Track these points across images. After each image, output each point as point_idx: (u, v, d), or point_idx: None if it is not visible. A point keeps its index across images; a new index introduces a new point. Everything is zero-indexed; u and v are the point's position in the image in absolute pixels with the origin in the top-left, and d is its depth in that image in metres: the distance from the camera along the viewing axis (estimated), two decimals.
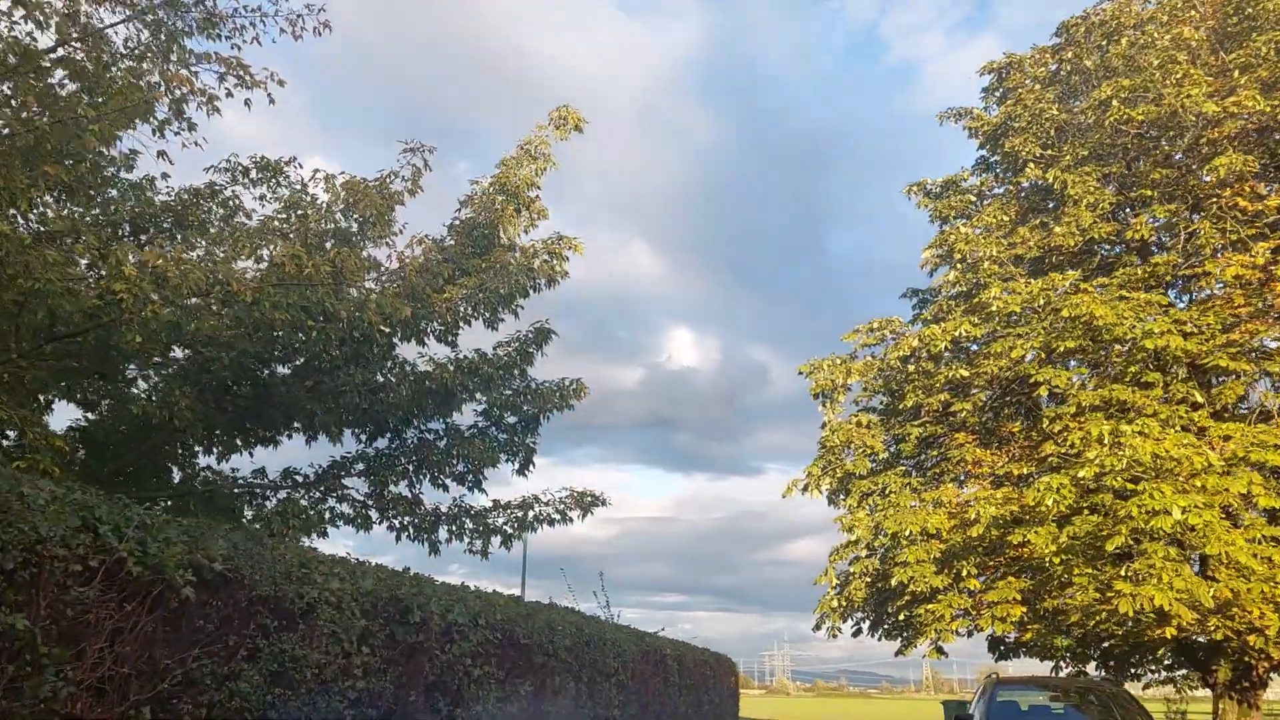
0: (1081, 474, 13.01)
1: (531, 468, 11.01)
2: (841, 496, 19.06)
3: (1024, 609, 14.71)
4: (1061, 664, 18.80)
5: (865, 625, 19.81)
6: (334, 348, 8.16)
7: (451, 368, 9.62)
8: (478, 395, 9.98)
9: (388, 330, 8.45)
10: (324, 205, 9.84)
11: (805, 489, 18.02)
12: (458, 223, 10.88)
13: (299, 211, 9.70)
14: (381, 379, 9.32)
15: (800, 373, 18.54)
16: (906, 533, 15.55)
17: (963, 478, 16.87)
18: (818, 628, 18.98)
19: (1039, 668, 18.80)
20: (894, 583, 15.61)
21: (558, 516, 11.34)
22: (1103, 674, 18.97)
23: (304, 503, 9.51)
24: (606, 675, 9.66)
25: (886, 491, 16.86)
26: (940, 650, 16.79)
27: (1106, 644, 16.02)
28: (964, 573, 15.36)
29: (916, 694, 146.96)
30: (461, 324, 9.70)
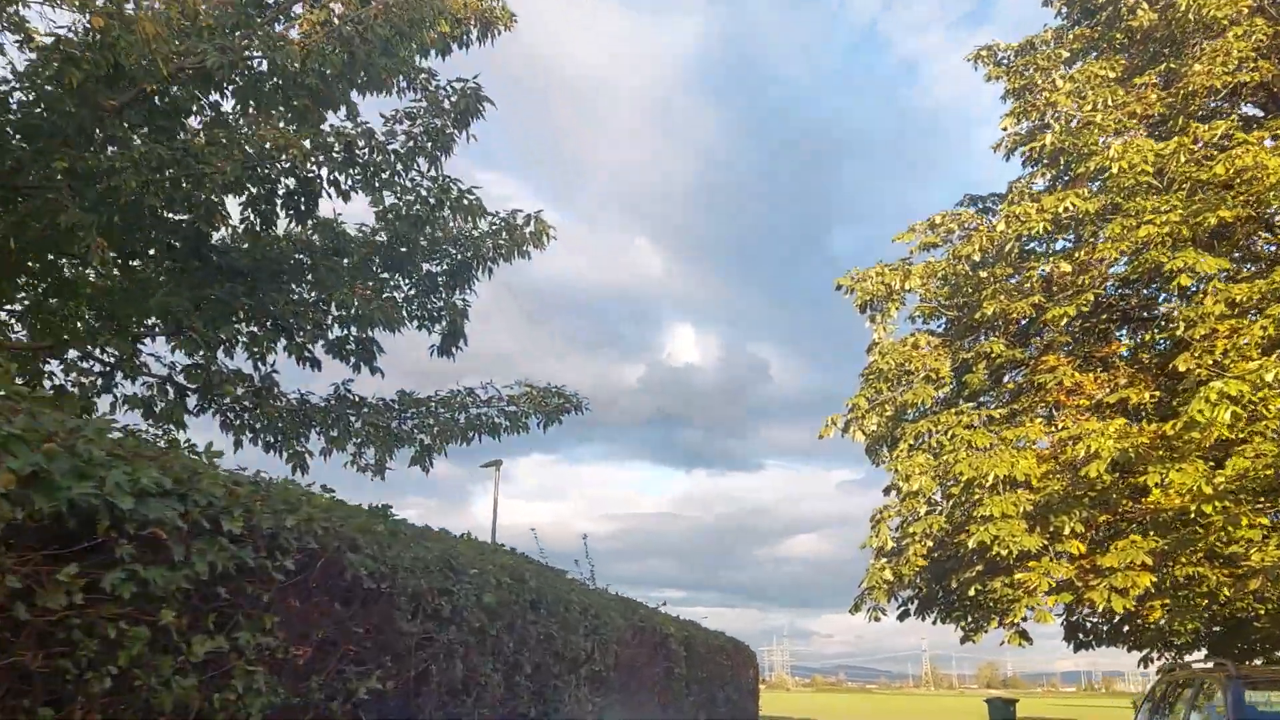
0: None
1: (462, 344, 7.06)
2: (886, 447, 15.15)
3: (1152, 577, 10.80)
4: (1160, 653, 14.99)
5: (913, 606, 15.95)
6: None
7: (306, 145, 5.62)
8: (354, 192, 5.99)
9: None
10: None
11: (846, 428, 14.06)
12: None
13: None
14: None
15: (839, 286, 14.59)
16: (989, 479, 11.62)
17: (1053, 411, 12.94)
18: (857, 609, 15.07)
19: (1112, 661, 14.94)
20: (972, 544, 11.67)
21: (505, 423, 7.41)
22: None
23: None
24: (569, 662, 5.69)
25: (951, 432, 12.93)
26: (1024, 636, 12.89)
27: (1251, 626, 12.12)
28: (1066, 530, 11.44)
29: (917, 689, 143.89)
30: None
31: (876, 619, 15.13)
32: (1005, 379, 14.02)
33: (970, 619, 13.73)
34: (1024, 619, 11.75)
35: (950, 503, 12.81)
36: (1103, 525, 11.98)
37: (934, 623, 15.14)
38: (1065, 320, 11.68)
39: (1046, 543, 11.55)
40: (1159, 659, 15.25)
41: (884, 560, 13.25)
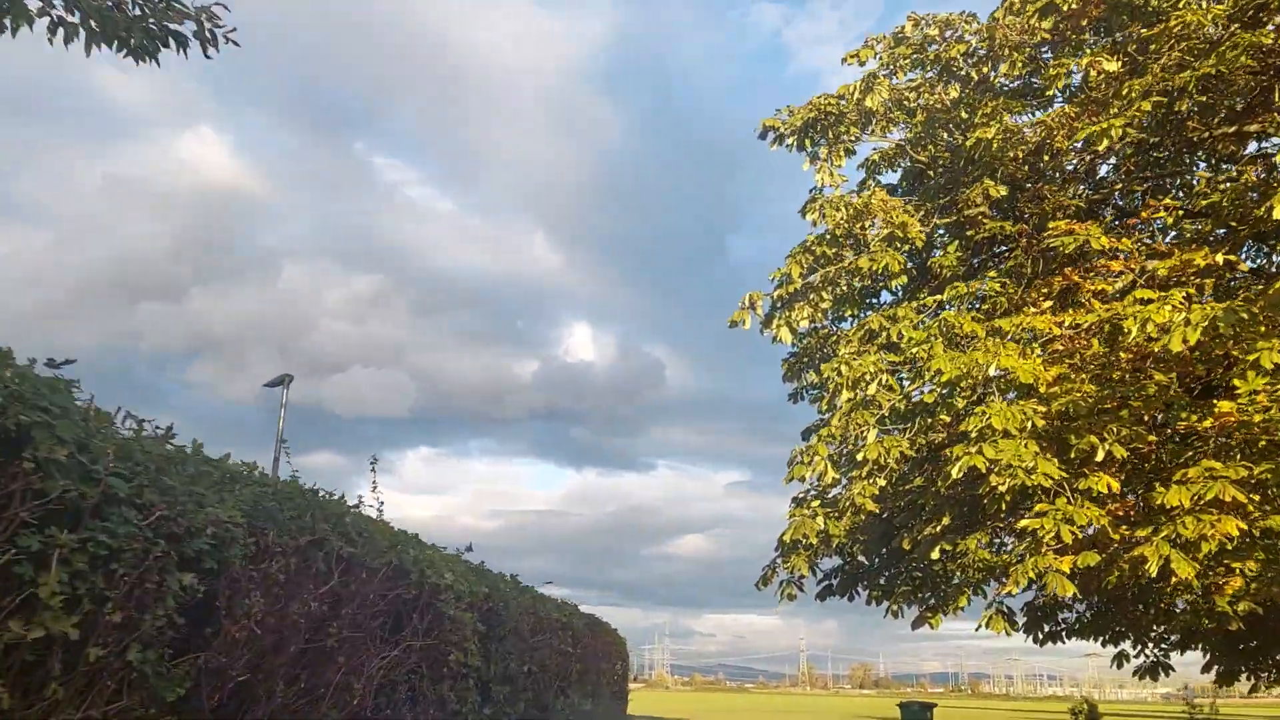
0: None
1: None
2: (814, 364, 10.99)
3: (1239, 523, 6.88)
4: (1155, 651, 11.55)
5: (836, 581, 11.85)
6: None
7: None
8: None
9: None
10: None
11: (769, 321, 9.76)
12: None
13: None
14: None
15: (767, 131, 10.26)
16: (985, 373, 7.53)
17: (1066, 296, 8.97)
18: (765, 583, 10.88)
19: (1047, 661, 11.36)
20: (955, 472, 7.50)
21: None
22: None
23: None
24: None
25: (918, 322, 8.82)
26: (1009, 619, 8.88)
27: None
28: (1100, 455, 7.44)
29: (793, 689, 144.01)
30: None
31: (790, 597, 10.93)
32: (988, 262, 10.02)
33: (929, 595, 9.69)
34: (1033, 585, 7.66)
35: (914, 421, 8.66)
36: (1151, 452, 8.05)
37: (869, 602, 11.06)
38: (1111, 143, 7.65)
39: (1068, 475, 7.53)
40: (1138, 657, 11.74)
41: (813, 508, 8.98)
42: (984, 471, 7.39)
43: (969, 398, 7.88)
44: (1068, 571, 7.56)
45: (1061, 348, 8.24)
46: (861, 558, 11.13)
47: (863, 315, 9.71)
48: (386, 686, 4.41)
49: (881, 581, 10.98)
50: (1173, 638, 11.59)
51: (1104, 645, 11.93)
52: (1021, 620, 10.85)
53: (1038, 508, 7.61)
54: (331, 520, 4.30)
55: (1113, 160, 8.88)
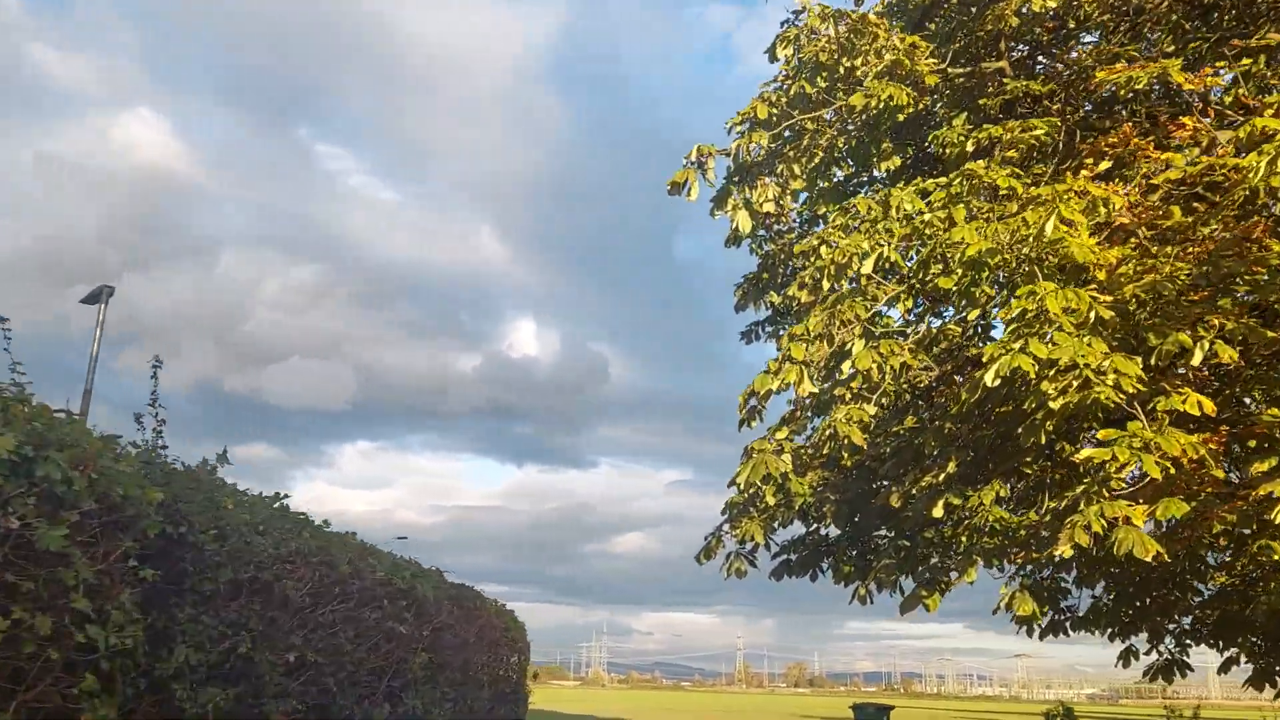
0: None
1: None
2: (778, 266, 8.57)
3: None
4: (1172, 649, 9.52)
5: (795, 558, 9.44)
6: None
7: None
8: None
9: None
10: None
11: (725, 196, 7.23)
12: None
13: None
14: None
15: None
16: (1048, 231, 5.14)
17: (1116, 168, 6.62)
18: (709, 555, 8.47)
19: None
20: (990, 379, 5.10)
21: None
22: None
23: None
24: None
25: (921, 190, 6.41)
26: (1039, 596, 6.54)
27: None
28: (1197, 358, 5.14)
29: (729, 687, 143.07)
30: None
31: (740, 573, 8.51)
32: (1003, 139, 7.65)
33: (924, 570, 7.28)
34: (1097, 539, 5.25)
35: (921, 322, 6.24)
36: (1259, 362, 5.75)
37: (839, 581, 8.63)
38: None
39: (1152, 382, 5.19)
40: (1151, 653, 9.63)
41: (778, 440, 6.47)
42: (1032, 378, 4.99)
43: (1006, 278, 5.49)
44: (1141, 525, 5.21)
45: (1127, 221, 5.90)
46: (832, 526, 8.71)
47: (848, 202, 7.28)
48: None
49: (852, 554, 8.59)
50: (1202, 629, 9.50)
51: (1112, 639, 9.76)
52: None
53: (1102, 434, 5.25)
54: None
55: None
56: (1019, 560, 6.33)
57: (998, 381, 5.10)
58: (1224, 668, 10.03)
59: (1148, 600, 9.20)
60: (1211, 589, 9.21)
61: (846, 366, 5.77)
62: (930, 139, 7.48)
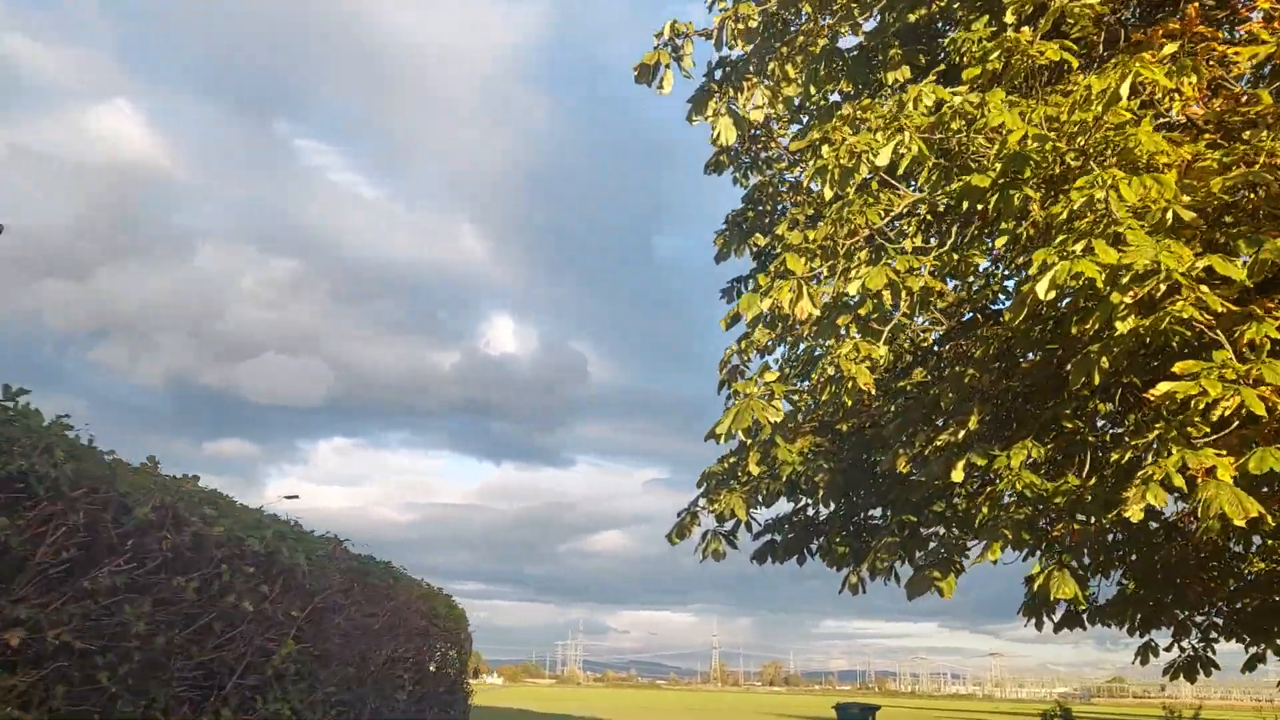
0: None
1: None
2: (765, 183, 7.42)
3: None
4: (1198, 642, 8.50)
5: (780, 539, 8.28)
6: None
7: None
8: None
9: None
10: None
11: (704, 100, 6.03)
12: None
13: None
14: None
15: None
16: (1122, 98, 3.99)
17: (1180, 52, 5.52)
18: (682, 535, 7.32)
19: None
20: (1043, 290, 3.95)
21: None
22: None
23: None
24: None
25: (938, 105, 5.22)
26: (1078, 576, 5.41)
27: None
28: None
29: (704, 685, 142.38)
30: None
31: (717, 554, 7.33)
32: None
33: (942, 541, 6.12)
34: (1184, 493, 4.10)
35: (945, 235, 5.08)
36: None
37: (831, 565, 7.48)
38: None
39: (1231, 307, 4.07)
40: (1171, 649, 8.59)
41: (766, 383, 5.28)
42: (1100, 286, 3.85)
43: (1057, 176, 4.34)
44: (1230, 481, 4.08)
45: (1201, 113, 4.77)
46: (822, 505, 7.53)
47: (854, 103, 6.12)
48: None
49: (846, 533, 7.42)
50: (1233, 622, 8.46)
51: (1132, 633, 8.68)
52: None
53: (1178, 366, 4.11)
54: None
55: None
56: (1059, 532, 5.20)
57: (1052, 294, 3.94)
58: (1249, 665, 9.00)
59: (1169, 593, 8.13)
60: (1249, 576, 8.20)
61: (854, 288, 4.59)
62: (947, 42, 6.34)
